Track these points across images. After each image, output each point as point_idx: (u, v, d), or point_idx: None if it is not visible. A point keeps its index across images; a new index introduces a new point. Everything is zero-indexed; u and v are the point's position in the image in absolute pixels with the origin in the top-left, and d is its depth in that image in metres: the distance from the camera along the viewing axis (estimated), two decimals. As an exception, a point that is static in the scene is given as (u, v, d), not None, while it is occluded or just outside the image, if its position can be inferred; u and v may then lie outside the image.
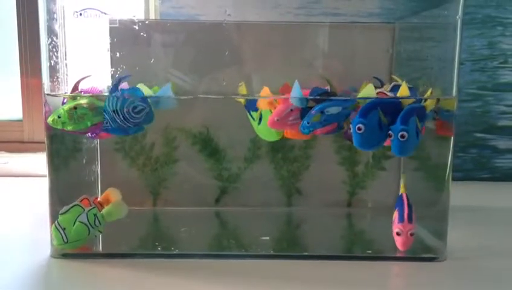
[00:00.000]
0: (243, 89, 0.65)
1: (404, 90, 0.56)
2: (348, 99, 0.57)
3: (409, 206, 0.57)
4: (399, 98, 0.56)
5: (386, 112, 0.54)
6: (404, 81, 0.58)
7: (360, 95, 0.57)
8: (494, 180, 1.00)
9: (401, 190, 0.61)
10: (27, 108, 1.06)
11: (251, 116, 0.63)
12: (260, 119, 0.61)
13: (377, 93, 0.58)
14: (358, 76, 0.72)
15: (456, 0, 0.56)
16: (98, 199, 0.59)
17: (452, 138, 0.59)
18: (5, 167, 1.01)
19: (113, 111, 0.55)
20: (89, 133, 0.59)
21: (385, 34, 0.73)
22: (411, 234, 0.55)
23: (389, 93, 0.58)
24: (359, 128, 0.53)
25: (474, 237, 0.66)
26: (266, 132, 0.61)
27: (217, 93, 0.70)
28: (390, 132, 0.53)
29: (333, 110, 0.56)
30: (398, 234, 0.56)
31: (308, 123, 0.56)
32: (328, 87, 0.60)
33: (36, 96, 1.06)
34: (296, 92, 0.59)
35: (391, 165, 0.75)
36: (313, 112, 0.56)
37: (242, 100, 0.63)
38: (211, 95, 0.71)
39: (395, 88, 0.58)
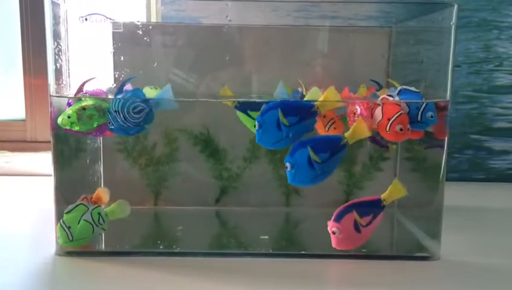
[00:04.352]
0: (227, 91, 0.66)
1: (331, 94, 0.58)
2: (306, 102, 0.59)
3: (351, 206, 0.56)
4: (407, 101, 0.57)
5: (290, 112, 0.56)
6: (332, 86, 0.59)
7: (307, 97, 0.60)
8: (489, 181, 1.02)
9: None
10: (30, 108, 1.07)
11: (249, 116, 0.64)
12: None
13: (382, 98, 0.59)
14: (356, 78, 0.73)
15: (450, 6, 0.58)
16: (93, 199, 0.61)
17: (446, 139, 0.61)
18: (7, 166, 1.02)
19: (115, 111, 0.57)
20: (94, 133, 0.61)
21: (382, 38, 0.75)
22: (333, 232, 0.56)
23: (391, 98, 0.59)
24: (255, 126, 0.56)
25: (468, 237, 0.67)
26: None
27: (218, 96, 0.71)
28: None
29: None
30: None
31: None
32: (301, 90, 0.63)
33: (39, 96, 1.06)
34: (281, 93, 0.62)
35: (388, 166, 0.76)
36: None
37: (229, 102, 0.65)
38: (209, 99, 0.72)
39: (403, 92, 0.59)
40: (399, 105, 0.57)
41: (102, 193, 0.60)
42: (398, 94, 0.59)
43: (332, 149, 0.55)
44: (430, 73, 0.65)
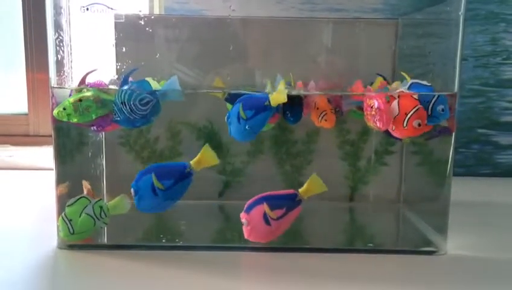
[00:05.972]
0: (218, 82, 0.67)
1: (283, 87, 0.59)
2: (260, 96, 0.58)
3: (263, 198, 0.56)
4: (422, 94, 0.56)
5: (247, 106, 0.57)
6: (282, 80, 0.59)
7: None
8: (495, 176, 1.01)
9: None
10: (32, 102, 1.07)
11: None
12: None
13: (399, 91, 0.58)
14: (361, 72, 0.72)
15: (458, -4, 0.56)
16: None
17: (453, 134, 0.60)
18: (10, 160, 1.02)
19: (121, 103, 0.56)
20: (94, 127, 0.60)
21: (388, 30, 0.74)
22: (242, 223, 0.56)
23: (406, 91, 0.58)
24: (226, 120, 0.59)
25: (474, 232, 0.66)
26: None
27: (221, 88, 0.71)
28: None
29: None
30: None
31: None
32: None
33: (41, 90, 1.06)
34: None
35: (393, 161, 0.75)
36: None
37: (220, 94, 0.65)
38: (212, 90, 0.72)
39: (414, 85, 0.58)
40: (417, 99, 0.55)
41: (88, 184, 0.59)
42: (408, 88, 0.57)
43: (177, 176, 0.56)
44: (437, 66, 0.64)
